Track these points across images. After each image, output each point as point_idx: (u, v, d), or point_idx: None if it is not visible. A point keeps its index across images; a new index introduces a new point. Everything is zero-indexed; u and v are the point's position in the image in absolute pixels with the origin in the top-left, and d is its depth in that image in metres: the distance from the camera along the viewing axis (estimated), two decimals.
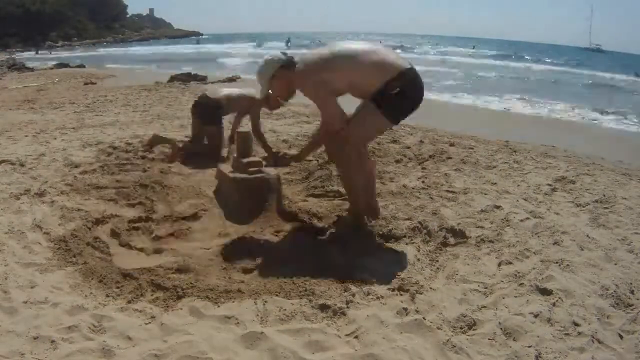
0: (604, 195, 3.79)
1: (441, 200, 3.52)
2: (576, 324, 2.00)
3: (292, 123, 6.70)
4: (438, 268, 2.51)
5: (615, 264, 2.61)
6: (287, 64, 2.78)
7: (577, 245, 2.81)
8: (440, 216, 3.14)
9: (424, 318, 1.98)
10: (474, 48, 52.53)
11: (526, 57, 39.82)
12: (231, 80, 14.46)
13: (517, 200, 3.59)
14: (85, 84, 13.07)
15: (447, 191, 3.73)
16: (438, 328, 1.93)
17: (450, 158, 4.80)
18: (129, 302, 2.12)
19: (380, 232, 2.84)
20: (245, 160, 3.25)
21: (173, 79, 13.72)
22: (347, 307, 2.07)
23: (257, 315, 2.02)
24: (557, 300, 2.16)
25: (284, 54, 2.87)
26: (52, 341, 1.80)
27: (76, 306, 2.04)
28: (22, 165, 4.22)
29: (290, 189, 3.73)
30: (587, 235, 2.97)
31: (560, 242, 2.83)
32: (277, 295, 2.17)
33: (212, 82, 13.61)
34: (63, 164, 4.29)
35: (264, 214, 3.04)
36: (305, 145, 3.17)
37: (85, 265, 2.44)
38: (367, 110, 2.73)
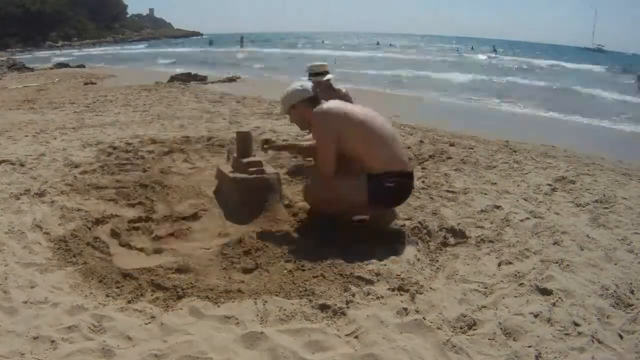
0: (604, 195, 3.79)
1: (441, 200, 3.52)
2: (576, 324, 2.00)
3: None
4: (438, 268, 2.51)
5: (615, 264, 2.61)
6: (309, 100, 2.93)
7: (577, 245, 2.81)
8: (440, 216, 3.14)
9: (424, 318, 1.98)
10: (472, 49, 52.50)
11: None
12: (231, 80, 14.47)
13: (517, 200, 3.59)
14: (85, 84, 13.08)
15: (447, 191, 3.73)
16: (438, 328, 1.93)
17: (450, 158, 4.80)
18: (129, 302, 2.12)
19: (380, 232, 2.84)
20: (245, 160, 3.25)
21: (173, 79, 13.73)
22: (347, 307, 2.07)
23: (257, 315, 2.02)
24: (557, 300, 2.16)
25: (313, 89, 3.00)
26: (52, 341, 1.80)
27: (76, 306, 2.04)
28: (22, 165, 4.22)
29: (290, 189, 3.73)
30: (587, 235, 2.97)
31: (560, 242, 2.83)
32: (277, 295, 2.17)
33: (212, 82, 13.62)
34: (63, 164, 4.29)
35: (264, 214, 3.04)
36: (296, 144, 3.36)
37: (85, 265, 2.44)
38: (359, 181, 2.76)
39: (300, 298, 2.14)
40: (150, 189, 3.62)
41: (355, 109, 2.91)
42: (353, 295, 2.17)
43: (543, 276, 2.37)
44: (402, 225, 2.94)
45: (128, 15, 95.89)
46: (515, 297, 2.21)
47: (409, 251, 2.64)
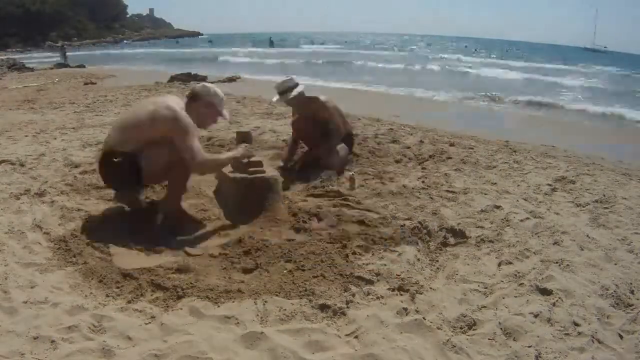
0: (604, 195, 3.79)
1: (441, 200, 3.52)
2: (576, 324, 2.00)
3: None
4: (438, 268, 2.51)
5: (615, 264, 2.61)
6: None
7: (577, 245, 2.81)
8: (440, 216, 3.14)
9: (424, 318, 1.98)
10: (465, 47, 53.12)
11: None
12: (231, 80, 14.47)
13: (517, 200, 3.59)
14: (85, 84, 13.08)
15: (447, 191, 3.73)
16: (438, 328, 1.93)
17: (450, 158, 4.80)
18: (129, 302, 2.12)
19: (380, 233, 2.84)
20: (245, 160, 3.25)
21: (173, 79, 13.72)
22: (347, 307, 2.07)
23: (257, 315, 2.02)
24: (557, 300, 2.16)
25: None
26: (52, 341, 1.80)
27: (76, 306, 2.04)
28: (22, 165, 4.22)
29: (290, 189, 3.73)
30: (587, 235, 2.97)
31: (560, 242, 2.83)
32: (277, 295, 2.17)
33: (212, 82, 13.61)
34: (63, 164, 4.29)
35: (264, 214, 3.04)
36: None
37: (85, 265, 2.44)
38: None
39: (300, 298, 2.14)
40: (150, 189, 3.62)
41: None
42: (353, 295, 2.17)
43: (543, 276, 2.37)
44: (402, 225, 2.94)
45: (128, 15, 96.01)
46: (515, 297, 2.21)
47: (409, 251, 2.64)
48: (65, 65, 21.95)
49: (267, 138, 5.54)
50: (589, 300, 2.19)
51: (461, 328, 1.96)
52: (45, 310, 2.02)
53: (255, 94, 10.03)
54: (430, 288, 2.27)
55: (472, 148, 5.35)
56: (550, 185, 4.03)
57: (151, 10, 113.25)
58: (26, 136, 5.58)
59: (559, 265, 2.52)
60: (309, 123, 4.23)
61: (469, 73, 22.22)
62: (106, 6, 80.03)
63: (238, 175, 3.20)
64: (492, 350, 1.83)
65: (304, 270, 2.41)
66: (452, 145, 5.43)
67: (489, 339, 1.89)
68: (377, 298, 2.16)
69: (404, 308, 2.06)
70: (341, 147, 4.33)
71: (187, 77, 13.89)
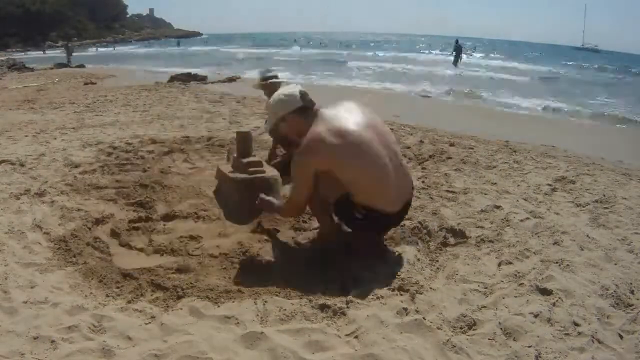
0: (604, 195, 3.78)
1: (441, 200, 3.52)
2: (576, 324, 2.00)
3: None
4: (438, 268, 2.51)
5: (615, 264, 2.61)
6: (301, 109, 2.43)
7: (577, 245, 2.81)
8: (440, 216, 3.14)
9: (424, 318, 1.98)
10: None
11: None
12: (231, 80, 14.47)
13: (517, 200, 3.58)
14: (85, 84, 13.08)
15: (447, 191, 3.73)
16: (438, 328, 1.93)
17: (450, 158, 4.80)
18: (129, 302, 2.12)
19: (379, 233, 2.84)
20: (245, 160, 3.25)
21: (173, 79, 13.73)
22: (347, 307, 2.06)
23: (257, 315, 2.02)
24: (557, 300, 2.16)
25: (303, 93, 2.47)
26: (52, 341, 1.80)
27: (76, 306, 2.04)
28: (22, 165, 4.22)
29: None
30: (587, 235, 2.97)
31: (560, 242, 2.83)
32: (277, 295, 2.17)
33: (212, 82, 13.61)
34: (63, 164, 4.29)
35: (264, 214, 3.04)
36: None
37: (85, 265, 2.44)
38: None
39: (300, 298, 2.14)
40: (150, 189, 3.62)
41: (355, 129, 2.38)
42: (353, 295, 2.17)
43: (543, 276, 2.37)
44: (402, 225, 2.94)
45: (128, 15, 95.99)
46: (515, 297, 2.20)
47: (409, 251, 2.64)
48: (66, 65, 21.96)
49: (267, 138, 5.52)
50: (589, 300, 2.19)
51: (461, 328, 1.96)
52: (45, 310, 2.02)
53: (255, 94, 10.03)
54: (430, 288, 2.27)
55: (472, 148, 5.35)
56: (550, 185, 4.03)
57: (151, 10, 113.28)
58: (26, 136, 5.58)
59: (559, 265, 2.52)
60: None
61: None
62: (106, 6, 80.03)
63: (238, 175, 3.21)
64: (492, 350, 1.83)
65: (304, 270, 2.41)
66: (452, 145, 5.43)
67: (489, 339, 1.88)
68: (377, 298, 2.16)
69: (404, 308, 2.05)
70: None
71: (187, 77, 13.90)
